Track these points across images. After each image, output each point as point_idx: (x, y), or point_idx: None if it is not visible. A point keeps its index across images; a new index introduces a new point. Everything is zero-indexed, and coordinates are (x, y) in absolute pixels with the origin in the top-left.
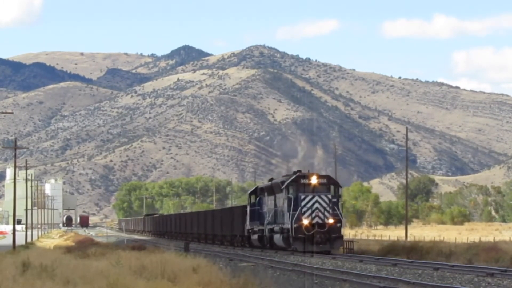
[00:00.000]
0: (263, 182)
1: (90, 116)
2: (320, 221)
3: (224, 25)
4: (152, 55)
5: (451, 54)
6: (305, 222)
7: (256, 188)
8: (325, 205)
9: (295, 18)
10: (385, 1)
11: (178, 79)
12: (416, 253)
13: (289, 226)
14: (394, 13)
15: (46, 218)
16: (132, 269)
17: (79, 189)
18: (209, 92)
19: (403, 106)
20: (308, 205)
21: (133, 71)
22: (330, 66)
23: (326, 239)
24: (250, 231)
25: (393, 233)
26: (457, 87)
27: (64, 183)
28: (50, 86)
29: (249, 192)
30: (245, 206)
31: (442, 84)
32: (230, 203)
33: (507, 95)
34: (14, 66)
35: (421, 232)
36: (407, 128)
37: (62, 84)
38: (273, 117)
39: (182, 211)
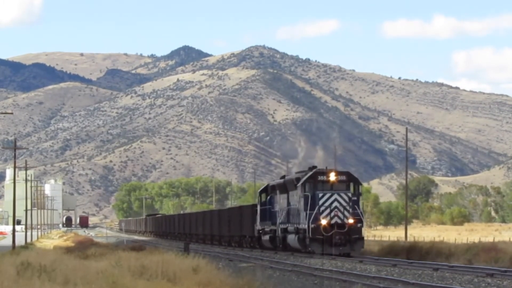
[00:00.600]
0: (262, 182)
1: (89, 117)
2: (339, 221)
3: (223, 26)
4: (152, 56)
5: (451, 55)
6: (323, 222)
7: (267, 186)
8: (344, 203)
9: (295, 19)
10: (385, 1)
11: (177, 80)
12: (416, 254)
13: (306, 226)
14: (394, 13)
15: (46, 218)
16: (132, 269)
17: (78, 189)
18: (209, 93)
19: (403, 106)
20: (327, 204)
21: (133, 71)
22: (330, 66)
23: (346, 240)
24: (260, 231)
25: (393, 234)
26: (457, 88)
27: (63, 183)
28: (50, 87)
29: (259, 190)
30: (254, 205)
31: (442, 84)
32: (230, 203)
33: (507, 96)
34: (14, 67)
35: (421, 232)
36: (406, 128)
37: (62, 84)
38: (272, 117)
39: (182, 212)
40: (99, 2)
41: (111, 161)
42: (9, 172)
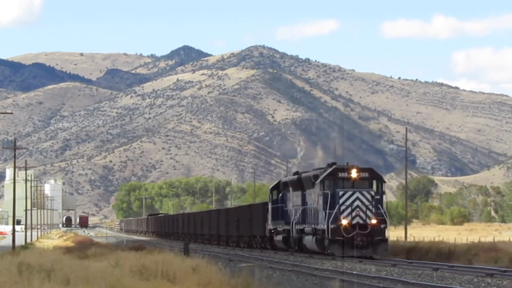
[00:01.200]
0: (262, 182)
1: (89, 117)
2: (361, 222)
3: (223, 26)
4: (152, 56)
5: (450, 55)
6: (344, 222)
7: (279, 182)
8: (367, 202)
9: (294, 19)
10: (385, 1)
11: (177, 80)
12: (416, 254)
13: (324, 226)
14: (394, 13)
15: (46, 218)
16: (132, 269)
17: (78, 189)
18: (209, 93)
19: (402, 106)
20: (348, 203)
21: (133, 71)
22: (329, 66)
23: (368, 242)
24: (272, 231)
25: (393, 234)
26: (457, 88)
27: (63, 183)
28: (50, 87)
29: (270, 187)
30: (265, 203)
31: (441, 84)
32: (230, 203)
33: (506, 96)
34: (14, 67)
35: (421, 232)
36: (406, 128)
37: (62, 84)
38: (272, 117)
39: (182, 212)
40: (99, 2)
41: (111, 161)
42: (9, 172)
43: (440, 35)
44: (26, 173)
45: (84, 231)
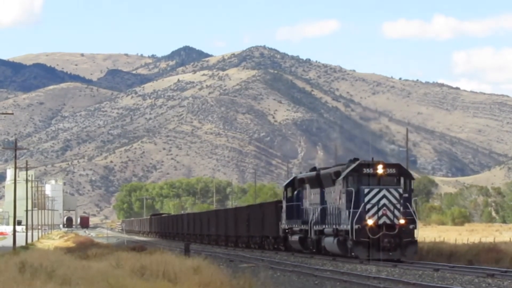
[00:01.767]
0: (263, 182)
1: (90, 117)
2: (388, 222)
3: (224, 26)
4: (153, 56)
5: (451, 55)
6: (370, 222)
7: (294, 179)
8: (394, 201)
9: (295, 19)
10: (385, 1)
11: (178, 80)
12: (416, 254)
13: (348, 227)
14: (394, 13)
15: (47, 219)
16: (132, 270)
17: (79, 190)
18: (209, 93)
19: (403, 107)
20: (373, 201)
21: (134, 72)
22: (330, 67)
23: (396, 244)
24: (287, 231)
25: None
26: (457, 88)
27: (64, 184)
28: (51, 87)
29: (284, 184)
30: (278, 202)
31: (442, 85)
32: (231, 204)
33: (507, 96)
34: (14, 67)
35: (422, 233)
36: (407, 129)
37: (63, 85)
38: (273, 118)
39: (182, 212)
40: (99, 2)
41: (111, 162)
42: (9, 173)
43: (441, 35)
44: (27, 174)
45: (85, 232)
